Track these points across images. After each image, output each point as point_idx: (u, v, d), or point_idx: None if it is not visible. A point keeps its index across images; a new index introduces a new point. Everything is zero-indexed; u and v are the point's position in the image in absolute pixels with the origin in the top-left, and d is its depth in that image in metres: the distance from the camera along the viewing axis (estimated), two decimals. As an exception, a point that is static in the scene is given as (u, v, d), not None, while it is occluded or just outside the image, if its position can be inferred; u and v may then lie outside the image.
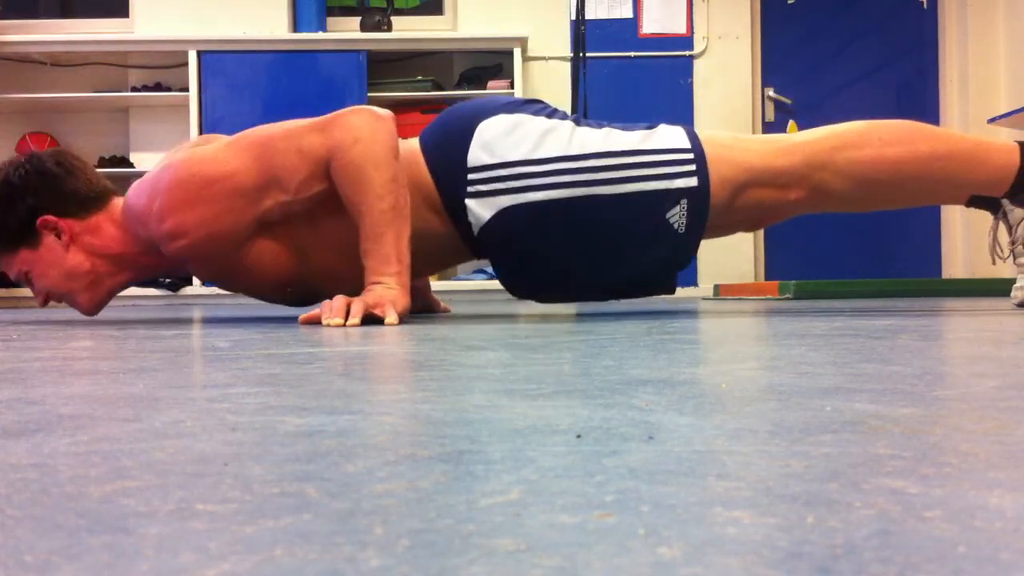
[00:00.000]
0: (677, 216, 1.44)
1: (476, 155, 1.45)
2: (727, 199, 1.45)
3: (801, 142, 1.46)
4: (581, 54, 3.77)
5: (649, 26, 4.45)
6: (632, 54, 4.42)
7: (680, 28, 4.47)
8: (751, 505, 0.23)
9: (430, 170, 1.49)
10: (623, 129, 1.48)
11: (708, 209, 1.44)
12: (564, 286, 1.57)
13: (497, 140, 1.44)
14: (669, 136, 1.46)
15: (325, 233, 1.47)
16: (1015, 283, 1.56)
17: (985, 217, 1.60)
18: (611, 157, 1.43)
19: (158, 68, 4.42)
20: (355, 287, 1.45)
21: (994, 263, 1.59)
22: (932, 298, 2.80)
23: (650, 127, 1.49)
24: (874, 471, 0.27)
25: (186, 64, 4.22)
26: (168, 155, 1.50)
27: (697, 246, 1.51)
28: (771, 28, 4.56)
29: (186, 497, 0.25)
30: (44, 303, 1.58)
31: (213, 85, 4.17)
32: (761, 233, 4.57)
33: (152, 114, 4.49)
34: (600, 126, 1.48)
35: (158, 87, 4.39)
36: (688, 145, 1.45)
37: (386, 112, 1.41)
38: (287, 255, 1.47)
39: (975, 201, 1.50)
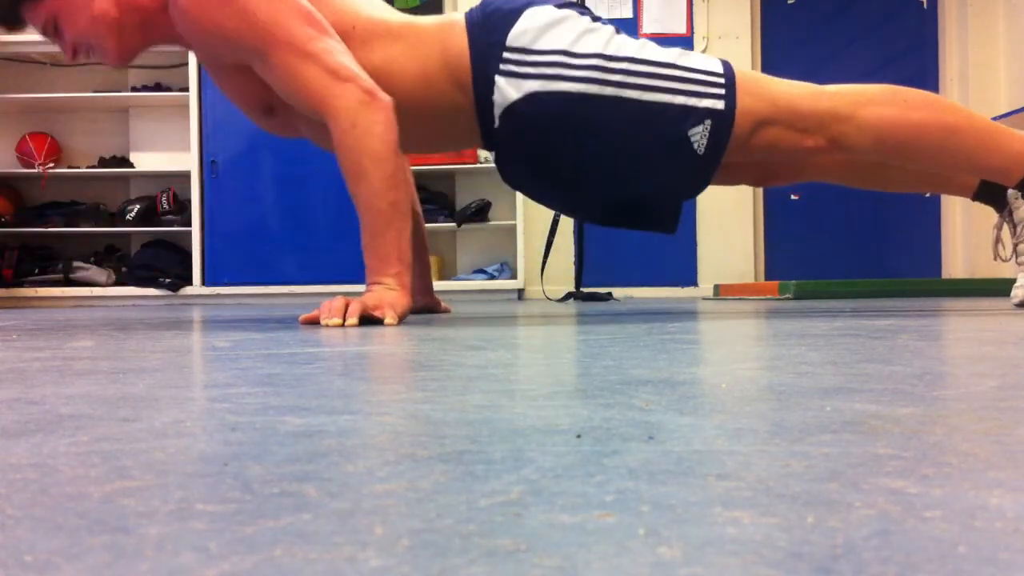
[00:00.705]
0: (699, 136, 1.44)
1: (517, 36, 1.45)
2: (747, 132, 1.45)
3: (830, 92, 1.46)
4: (581, 54, 3.76)
5: (649, 26, 4.46)
6: (632, 54, 4.42)
7: (680, 28, 4.47)
8: (751, 505, 0.23)
9: (469, 40, 1.48)
10: (660, 47, 1.49)
11: (730, 135, 1.44)
12: (568, 190, 1.56)
13: (541, 27, 1.45)
14: (705, 59, 1.47)
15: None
16: (1015, 282, 1.56)
17: (985, 218, 1.60)
18: (645, 64, 1.43)
19: (158, 68, 4.42)
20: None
21: (995, 259, 1.59)
22: (932, 298, 2.80)
23: (687, 50, 1.50)
24: (874, 471, 0.27)
25: (186, 64, 4.22)
26: None
27: (711, 176, 1.49)
28: (771, 28, 4.56)
29: (186, 497, 0.25)
30: (73, 55, 1.54)
31: (213, 85, 4.16)
32: (761, 233, 4.57)
33: (152, 114, 4.50)
34: (638, 39, 1.49)
35: (158, 87, 4.39)
36: (721, 70, 1.45)
37: (387, 99, 1.39)
38: (268, 87, 1.46)
39: (983, 192, 1.49)
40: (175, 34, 1.52)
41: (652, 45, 1.47)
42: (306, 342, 0.91)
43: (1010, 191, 1.48)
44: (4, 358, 0.76)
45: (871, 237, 4.60)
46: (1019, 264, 1.52)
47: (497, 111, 1.46)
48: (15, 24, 1.49)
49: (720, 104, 1.43)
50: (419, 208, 1.89)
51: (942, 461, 0.28)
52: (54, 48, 4.27)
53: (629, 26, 4.43)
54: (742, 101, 1.44)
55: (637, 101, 1.42)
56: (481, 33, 1.48)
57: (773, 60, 4.54)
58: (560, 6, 1.49)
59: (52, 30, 1.51)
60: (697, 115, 1.43)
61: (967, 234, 4.43)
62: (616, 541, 0.20)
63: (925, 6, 4.59)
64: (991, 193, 1.50)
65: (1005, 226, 1.53)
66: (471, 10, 1.53)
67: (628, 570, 0.18)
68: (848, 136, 1.43)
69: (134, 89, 4.37)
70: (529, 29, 1.45)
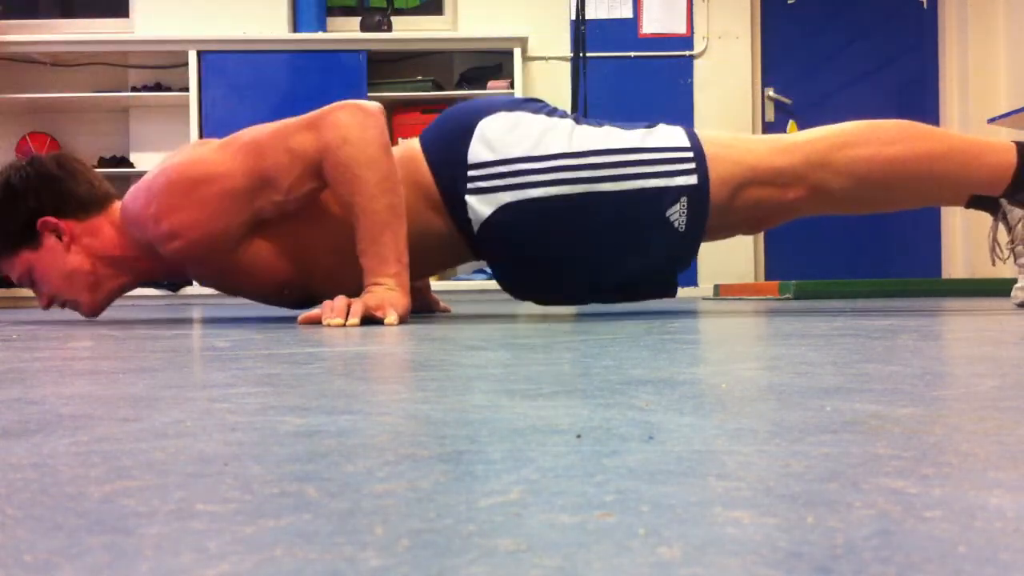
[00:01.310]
0: (677, 214, 1.44)
1: (477, 152, 1.45)
2: (727, 198, 1.45)
3: (800, 141, 1.46)
4: (581, 54, 3.76)
5: (649, 26, 4.45)
6: (632, 54, 4.42)
7: (680, 28, 4.47)
8: (751, 505, 0.23)
9: (431, 168, 1.49)
10: (623, 128, 1.49)
11: (708, 208, 1.45)
12: (563, 286, 1.57)
13: (498, 137, 1.45)
14: (669, 135, 1.47)
15: (321, 232, 1.47)
16: (1015, 283, 1.56)
17: (985, 217, 1.60)
18: (611, 155, 1.43)
19: (158, 68, 4.42)
20: (353, 287, 1.45)
21: (994, 264, 1.59)
22: (932, 298, 2.80)
23: (650, 126, 1.50)
24: (874, 471, 0.27)
25: (186, 64, 4.22)
26: (165, 159, 1.50)
27: (698, 246, 1.51)
28: (771, 28, 4.56)
29: (186, 497, 0.25)
30: (48, 305, 1.59)
31: (213, 85, 4.17)
32: (761, 233, 4.57)
33: (152, 114, 4.50)
34: (600, 124, 1.49)
35: (158, 87, 4.39)
36: (688, 144, 1.46)
37: (375, 105, 1.41)
38: (283, 255, 1.48)
39: (974, 202, 1.50)
40: (167, 269, 1.55)
41: (616, 130, 1.47)
42: (306, 342, 0.91)
43: (1002, 200, 1.48)
44: (4, 358, 0.76)
45: (871, 237, 4.60)
46: (1018, 266, 1.52)
47: (475, 227, 1.47)
48: None
49: (693, 179, 1.43)
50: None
51: (942, 461, 0.28)
52: (55, 48, 4.27)
53: (629, 26, 4.43)
54: (715, 170, 1.44)
55: (610, 192, 1.43)
56: (440, 157, 1.49)
57: (773, 60, 4.54)
58: (511, 108, 1.49)
59: (28, 282, 1.58)
60: (672, 194, 1.43)
61: (967, 234, 4.43)
62: (616, 541, 0.20)
63: (925, 6, 4.59)
64: (982, 201, 1.50)
65: (1000, 228, 1.53)
66: (423, 133, 1.55)
67: (628, 570, 0.18)
68: (828, 182, 1.44)
69: (134, 89, 4.37)
70: (488, 141, 1.45)
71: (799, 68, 4.57)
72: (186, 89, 4.24)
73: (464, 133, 1.47)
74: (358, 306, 1.26)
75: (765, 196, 1.46)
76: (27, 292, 4.10)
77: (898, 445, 0.31)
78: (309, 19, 4.28)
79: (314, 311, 1.31)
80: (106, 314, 2.12)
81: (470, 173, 1.45)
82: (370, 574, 0.18)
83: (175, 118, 4.42)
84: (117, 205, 1.57)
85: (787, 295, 3.20)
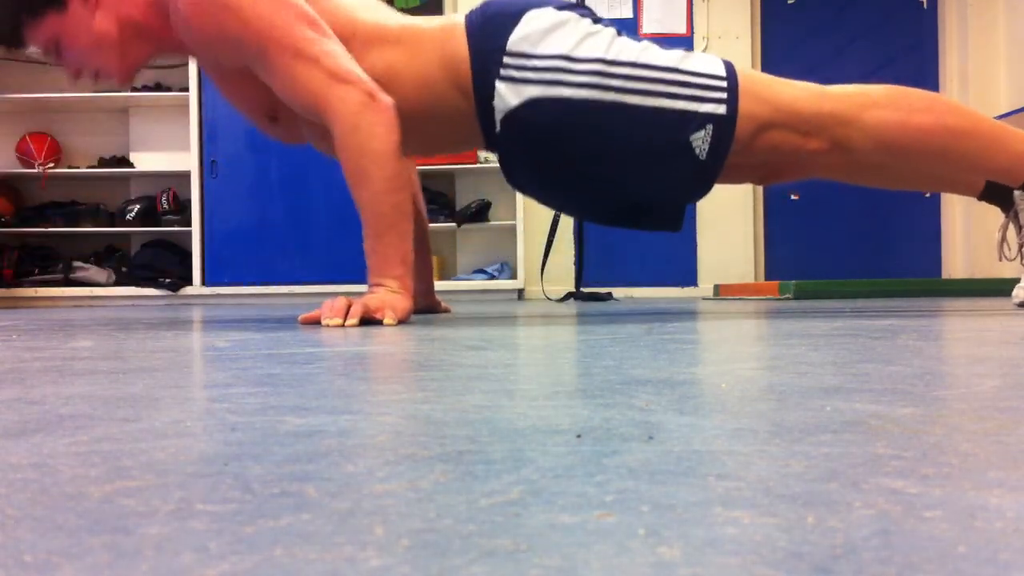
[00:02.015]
0: (700, 140, 1.43)
1: (517, 41, 1.44)
2: (749, 136, 1.44)
3: (832, 94, 1.45)
4: (581, 54, 3.76)
5: (649, 26, 4.45)
6: (632, 54, 4.42)
7: (680, 28, 4.47)
8: (751, 505, 0.23)
9: (469, 46, 1.48)
10: (662, 48, 1.48)
11: (732, 139, 1.43)
12: (571, 194, 1.56)
13: (541, 32, 1.44)
14: (707, 62, 1.46)
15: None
16: (1018, 283, 1.56)
17: (985, 218, 1.60)
18: (646, 69, 1.43)
19: (158, 68, 4.42)
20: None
21: (1000, 260, 1.58)
22: (932, 298, 2.80)
23: (689, 51, 1.49)
24: (874, 471, 0.27)
25: (186, 64, 4.22)
26: None
27: (714, 179, 1.49)
28: (771, 28, 4.56)
29: (186, 497, 0.25)
30: (76, 75, 1.54)
31: (213, 85, 4.16)
32: (761, 233, 4.57)
33: (152, 114, 4.49)
34: (639, 40, 1.48)
35: (158, 87, 4.39)
36: (723, 73, 1.44)
37: (388, 100, 1.39)
38: (270, 91, 1.46)
39: (988, 192, 1.49)
40: (178, 44, 1.52)
41: (655, 48, 1.46)
42: (306, 342, 0.91)
43: (1016, 192, 1.48)
44: (4, 358, 0.76)
45: (871, 237, 4.59)
46: (1024, 265, 1.52)
47: (498, 116, 1.46)
48: (18, 45, 1.50)
49: (722, 109, 1.42)
50: (424, 209, 1.89)
51: (942, 461, 0.28)
52: (54, 48, 4.27)
53: (629, 26, 4.43)
54: (744, 105, 1.43)
55: (638, 107, 1.42)
56: (481, 37, 1.47)
57: (773, 60, 4.54)
58: (561, 8, 1.48)
59: (54, 50, 1.51)
60: (698, 120, 1.42)
61: (967, 234, 4.43)
62: (616, 541, 0.20)
63: (925, 6, 4.59)
64: (997, 193, 1.50)
65: (1011, 226, 1.53)
66: (471, 12, 1.53)
67: (628, 570, 0.18)
68: (851, 139, 1.43)
69: (134, 89, 4.37)
70: (530, 34, 1.44)
71: (799, 68, 4.55)
72: (186, 89, 4.24)
73: (510, 19, 1.46)
74: (357, 307, 1.26)
75: (787, 141, 1.45)
76: (27, 292, 4.10)
77: (898, 445, 0.31)
78: (309, 19, 4.27)
79: (314, 312, 1.31)
80: (106, 314, 2.12)
81: (506, 60, 1.44)
82: (370, 574, 0.18)
83: (175, 118, 4.42)
84: None
85: (787, 295, 3.20)
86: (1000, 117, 3.70)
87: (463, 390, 0.48)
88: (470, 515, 0.22)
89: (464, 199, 4.48)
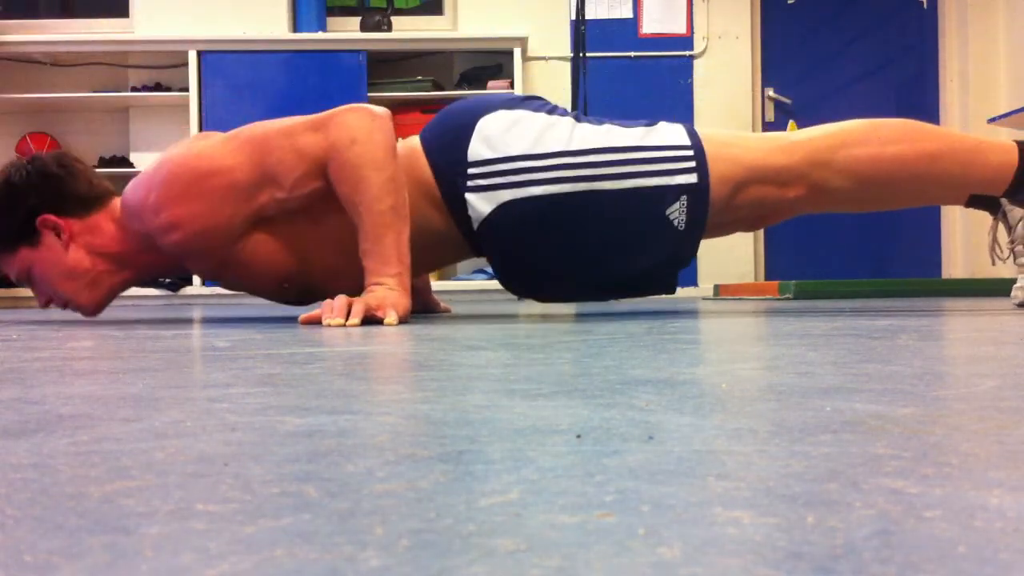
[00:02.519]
0: (677, 213, 1.44)
1: (476, 149, 1.45)
2: (727, 196, 1.45)
3: (801, 140, 1.46)
4: (581, 54, 3.76)
5: (649, 26, 4.45)
6: (632, 54, 4.43)
7: (680, 28, 4.47)
8: (751, 505, 0.23)
9: (431, 165, 1.49)
10: (623, 126, 1.49)
11: (708, 206, 1.45)
12: (563, 284, 1.57)
13: (498, 135, 1.45)
14: (669, 133, 1.47)
15: (323, 229, 1.48)
16: (1015, 283, 1.56)
17: (985, 217, 1.60)
18: (611, 153, 1.43)
19: (158, 68, 4.42)
20: (354, 285, 1.45)
21: (994, 263, 1.59)
22: (932, 298, 2.80)
23: (650, 124, 1.50)
24: (874, 471, 0.27)
25: (186, 64, 4.22)
26: (167, 150, 1.50)
27: (697, 244, 1.51)
28: (771, 28, 4.56)
29: (186, 497, 0.25)
30: (46, 304, 1.59)
31: (213, 85, 4.17)
32: (761, 233, 4.57)
33: (152, 114, 4.49)
34: (600, 122, 1.49)
35: (158, 87, 4.39)
36: (688, 142, 1.45)
37: (383, 110, 1.42)
38: (284, 251, 1.48)
39: (974, 201, 1.50)
40: (164, 262, 1.55)
41: (616, 128, 1.47)
42: (306, 342, 0.91)
43: (1002, 200, 1.48)
44: (4, 358, 0.76)
45: (871, 237, 4.60)
46: (1018, 265, 1.52)
47: (475, 225, 1.47)
48: None
49: (693, 177, 1.43)
50: None
51: (942, 461, 0.28)
52: (55, 48, 4.27)
53: (629, 26, 4.43)
54: (715, 169, 1.44)
55: (610, 191, 1.43)
56: (440, 154, 1.49)
57: (773, 60, 4.54)
58: (510, 107, 1.49)
59: (27, 280, 1.57)
60: (672, 193, 1.43)
61: (967, 234, 4.43)
62: (616, 541, 0.20)
63: (925, 6, 4.59)
64: (982, 200, 1.50)
65: (1000, 227, 1.53)
66: (423, 132, 1.55)
67: (628, 570, 0.18)
68: (828, 181, 1.44)
69: (134, 89, 4.37)
70: (487, 138, 1.45)
71: (799, 68, 4.57)
72: (186, 89, 4.24)
73: (464, 131, 1.47)
74: (359, 306, 1.26)
75: (765, 195, 1.46)
76: (27, 292, 4.10)
77: (898, 445, 0.31)
78: (309, 19, 4.28)
79: (314, 311, 1.31)
80: (106, 314, 2.12)
81: (470, 171, 1.45)
82: (370, 574, 0.18)
83: (175, 118, 4.42)
84: (117, 202, 1.57)
85: (787, 295, 3.20)
86: (1000, 117, 3.70)
87: (463, 390, 0.48)
88: (470, 515, 0.22)
89: (464, 199, 4.48)
